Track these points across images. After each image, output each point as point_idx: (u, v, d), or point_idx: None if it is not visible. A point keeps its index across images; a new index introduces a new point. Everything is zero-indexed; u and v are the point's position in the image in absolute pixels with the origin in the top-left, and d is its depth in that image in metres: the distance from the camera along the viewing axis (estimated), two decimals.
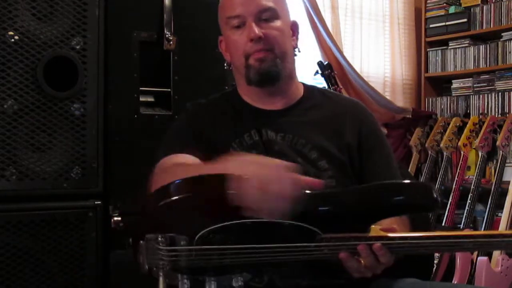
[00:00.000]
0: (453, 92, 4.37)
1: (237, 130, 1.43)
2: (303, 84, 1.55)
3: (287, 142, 1.40)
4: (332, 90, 1.66)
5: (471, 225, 3.36)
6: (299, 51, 1.51)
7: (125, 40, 1.98)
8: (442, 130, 3.93)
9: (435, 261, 3.10)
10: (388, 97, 4.25)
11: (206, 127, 1.47)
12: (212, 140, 1.43)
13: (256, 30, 1.38)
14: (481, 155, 3.53)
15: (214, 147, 1.38)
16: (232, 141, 1.41)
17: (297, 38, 1.51)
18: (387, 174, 1.43)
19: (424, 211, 1.51)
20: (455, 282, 3.01)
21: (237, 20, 1.41)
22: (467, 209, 3.36)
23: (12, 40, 1.73)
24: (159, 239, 1.10)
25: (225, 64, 1.55)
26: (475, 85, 4.24)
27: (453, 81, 4.37)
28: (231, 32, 1.43)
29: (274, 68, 1.41)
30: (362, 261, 1.12)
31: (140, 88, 2.02)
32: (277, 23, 1.42)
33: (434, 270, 3.08)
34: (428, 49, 4.45)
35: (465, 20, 4.22)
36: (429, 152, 3.87)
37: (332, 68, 3.52)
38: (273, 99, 1.47)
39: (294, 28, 1.50)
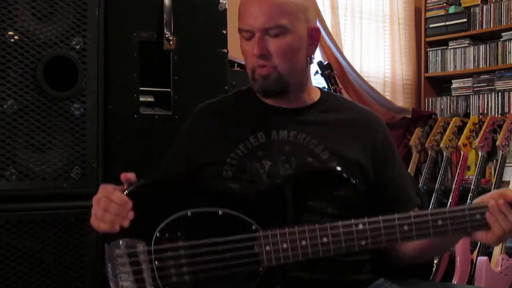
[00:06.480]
0: (453, 92, 4.37)
1: (244, 131, 1.44)
2: (320, 89, 1.55)
3: (299, 140, 1.41)
4: (346, 98, 1.66)
5: None
6: (313, 58, 1.49)
7: (125, 40, 1.98)
8: (442, 130, 3.92)
9: (435, 261, 3.10)
10: (388, 97, 4.25)
11: (208, 133, 1.48)
12: (213, 148, 1.45)
13: (259, 48, 1.38)
14: (481, 155, 3.53)
15: (215, 154, 1.43)
16: (235, 147, 1.42)
17: (315, 46, 1.49)
18: (400, 182, 1.46)
19: None
20: (455, 282, 3.01)
21: (247, 33, 1.41)
22: None
23: (12, 40, 1.73)
24: (120, 243, 1.26)
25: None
26: (475, 85, 4.24)
27: (453, 81, 4.38)
28: (243, 42, 1.44)
29: (278, 84, 1.41)
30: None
31: (140, 88, 2.01)
32: (286, 38, 1.39)
33: (434, 270, 3.08)
34: (428, 49, 4.45)
35: (465, 20, 4.23)
36: (429, 152, 3.87)
37: (332, 68, 3.52)
38: (282, 101, 1.47)
39: (314, 34, 1.47)
